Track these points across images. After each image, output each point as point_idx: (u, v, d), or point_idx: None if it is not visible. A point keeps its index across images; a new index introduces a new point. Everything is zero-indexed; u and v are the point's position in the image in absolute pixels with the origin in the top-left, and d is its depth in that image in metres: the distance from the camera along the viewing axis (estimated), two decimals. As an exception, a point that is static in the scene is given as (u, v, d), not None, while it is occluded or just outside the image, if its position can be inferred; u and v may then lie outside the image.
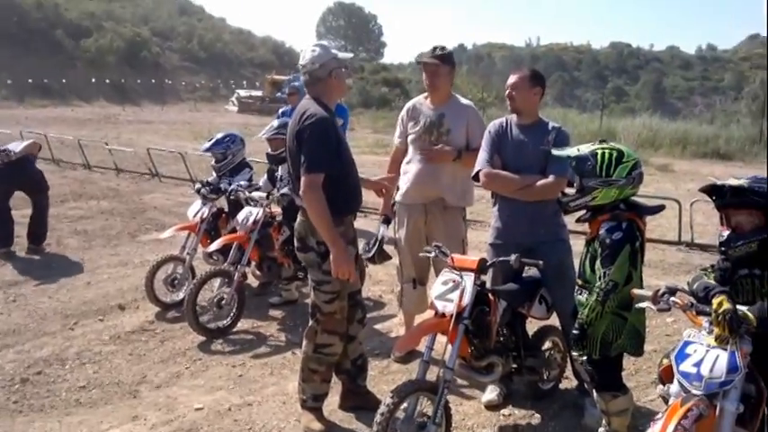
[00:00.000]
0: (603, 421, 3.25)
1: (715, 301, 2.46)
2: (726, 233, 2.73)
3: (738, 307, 2.47)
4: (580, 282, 3.19)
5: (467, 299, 3.25)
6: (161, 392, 4.12)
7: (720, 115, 26.75)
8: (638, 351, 3.18)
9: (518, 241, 3.69)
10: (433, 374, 3.27)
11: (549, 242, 3.74)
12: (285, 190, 5.25)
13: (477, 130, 4.22)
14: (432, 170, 4.26)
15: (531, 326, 3.94)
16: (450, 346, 3.24)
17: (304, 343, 3.65)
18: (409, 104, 4.51)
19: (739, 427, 2.49)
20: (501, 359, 3.50)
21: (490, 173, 3.76)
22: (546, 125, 3.78)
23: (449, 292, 3.32)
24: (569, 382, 4.02)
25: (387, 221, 4.51)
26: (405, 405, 3.10)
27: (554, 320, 3.88)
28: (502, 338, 3.63)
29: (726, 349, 2.41)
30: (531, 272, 3.78)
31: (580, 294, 3.15)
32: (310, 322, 3.62)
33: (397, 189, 4.45)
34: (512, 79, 3.79)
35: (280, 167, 5.60)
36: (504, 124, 3.84)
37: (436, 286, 3.40)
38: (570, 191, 3.21)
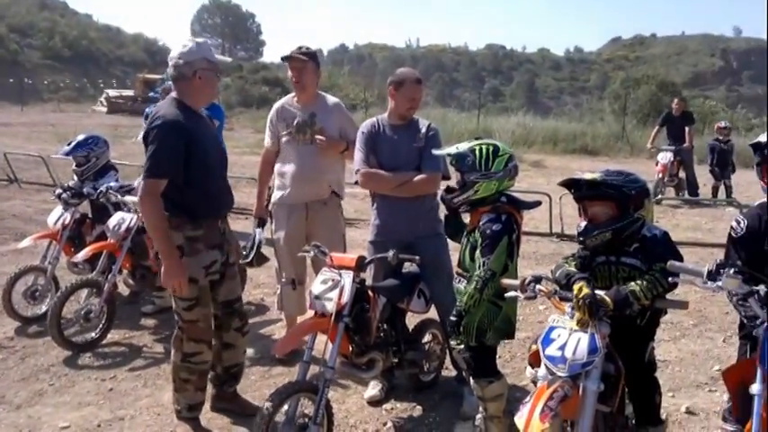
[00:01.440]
0: (480, 407, 3.36)
1: (575, 287, 2.59)
2: (583, 224, 2.90)
3: (597, 292, 2.61)
4: (459, 270, 3.29)
5: (346, 297, 3.25)
6: (22, 413, 3.81)
7: (588, 113, 28.52)
8: (509, 337, 3.32)
9: (398, 238, 3.75)
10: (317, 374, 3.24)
11: (428, 237, 3.83)
12: None
13: (349, 128, 4.28)
14: (314, 168, 4.23)
15: (412, 320, 4.01)
16: (330, 345, 3.23)
17: (172, 352, 3.52)
18: (278, 105, 4.46)
19: (601, 404, 2.63)
20: (382, 354, 3.54)
21: (368, 172, 3.80)
22: (417, 123, 3.87)
23: (328, 290, 3.30)
24: (449, 372, 4.12)
25: (262, 224, 4.44)
26: (286, 408, 3.06)
27: (433, 313, 3.97)
28: (382, 334, 3.68)
29: (587, 332, 2.54)
30: (410, 267, 3.84)
31: (459, 283, 3.25)
32: (176, 330, 3.50)
33: (269, 190, 4.39)
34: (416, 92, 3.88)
35: None
36: (377, 124, 3.89)
37: (315, 285, 3.37)
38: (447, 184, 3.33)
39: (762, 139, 2.76)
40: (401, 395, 3.92)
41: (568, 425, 2.64)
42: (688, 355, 4.70)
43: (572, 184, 2.89)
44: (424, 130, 3.82)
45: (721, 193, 11.14)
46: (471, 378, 3.29)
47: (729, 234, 2.92)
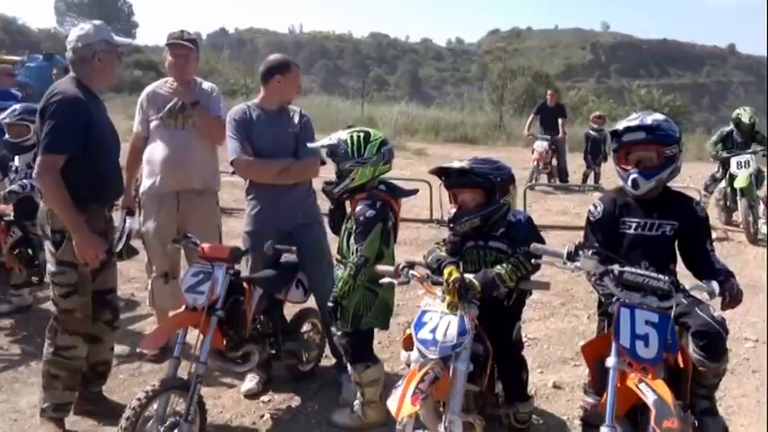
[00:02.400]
0: (358, 393, 3.38)
1: (446, 272, 2.66)
2: (453, 210, 2.98)
3: (466, 275, 2.69)
4: (338, 257, 3.30)
5: (219, 289, 3.17)
6: None
7: (468, 103, 29.41)
8: (385, 324, 3.37)
9: (276, 227, 3.68)
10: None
11: (307, 225, 3.81)
12: (15, 186, 4.67)
13: (223, 113, 4.13)
14: (186, 154, 4.06)
15: (290, 310, 3.97)
16: (202, 340, 3.13)
17: (45, 345, 3.31)
18: (149, 90, 4.24)
19: (470, 383, 2.73)
20: (258, 347, 3.48)
21: (247, 161, 3.70)
22: (288, 110, 3.81)
23: (200, 283, 3.20)
24: (329, 361, 4.11)
25: (130, 214, 4.22)
26: (156, 406, 2.93)
27: (312, 303, 3.94)
28: (258, 326, 3.62)
29: (456, 315, 2.62)
30: (288, 257, 3.79)
31: (338, 269, 3.25)
32: (51, 321, 3.30)
33: (137, 180, 4.18)
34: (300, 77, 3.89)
35: (17, 158, 4.95)
36: (248, 111, 3.78)
37: (186, 278, 3.25)
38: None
39: (619, 126, 2.92)
40: (279, 386, 3.87)
41: (441, 405, 2.71)
42: (555, 333, 4.96)
43: (442, 173, 2.96)
44: (297, 117, 3.77)
45: (591, 180, 11.83)
46: (348, 364, 3.31)
47: (587, 218, 3.05)
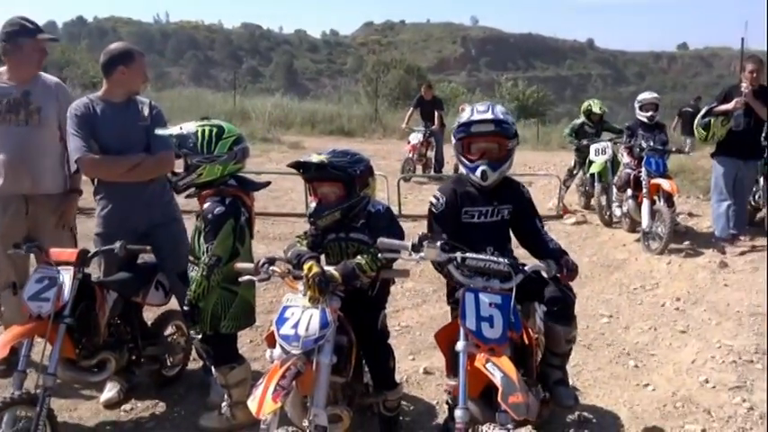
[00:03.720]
0: (225, 395, 3.30)
1: (305, 267, 2.64)
2: (314, 204, 2.96)
3: (326, 268, 2.69)
4: (191, 258, 3.17)
5: (66, 295, 2.98)
6: None
7: (345, 96, 29.50)
8: (248, 322, 3.30)
9: (131, 227, 3.49)
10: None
11: (164, 224, 3.64)
12: None
13: None
14: (31, 153, 3.75)
15: (152, 313, 3.80)
16: (50, 350, 2.93)
17: None
18: None
19: (336, 375, 2.73)
20: (114, 354, 3.31)
21: (92, 159, 3.46)
22: (136, 102, 3.62)
23: (45, 290, 3.00)
24: (197, 363, 3.98)
25: None
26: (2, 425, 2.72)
27: (175, 305, 3.79)
28: (115, 332, 3.42)
29: (318, 308, 2.60)
30: (146, 258, 3.62)
31: (192, 271, 3.13)
32: None
33: None
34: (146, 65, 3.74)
35: None
36: (91, 105, 3.55)
37: (29, 286, 3.04)
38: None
39: (467, 117, 3.00)
40: (142, 393, 3.69)
41: (309, 400, 2.69)
42: (428, 320, 5.08)
43: (301, 166, 2.92)
44: (147, 109, 3.58)
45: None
46: (213, 366, 3.22)
47: (430, 210, 3.07)
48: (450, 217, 3.02)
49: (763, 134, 6.56)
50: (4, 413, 2.72)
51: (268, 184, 3.39)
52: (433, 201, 3.06)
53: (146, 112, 3.57)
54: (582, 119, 8.99)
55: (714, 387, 3.90)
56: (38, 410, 2.77)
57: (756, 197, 7.01)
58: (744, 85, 6.28)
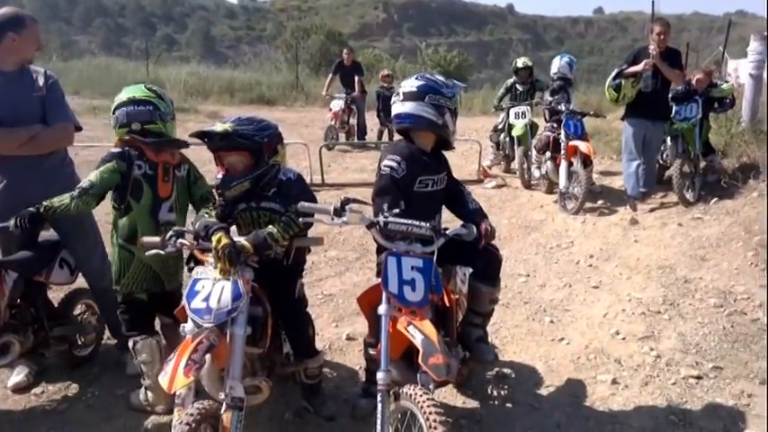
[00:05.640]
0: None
1: (214, 239, 2.57)
2: (220, 175, 2.87)
3: (236, 239, 2.62)
4: None
5: (-41, 277, 2.78)
6: None
7: (266, 63, 28.76)
8: (154, 287, 3.22)
9: (30, 203, 3.28)
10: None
11: None
12: None
13: None
14: None
15: (59, 293, 3.63)
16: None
17: None
18: None
19: (252, 346, 2.69)
20: (18, 336, 3.15)
21: None
22: (30, 71, 3.40)
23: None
24: (112, 341, 3.84)
25: None
26: None
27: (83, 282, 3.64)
28: (17, 314, 3.24)
29: (230, 280, 2.54)
30: (48, 235, 3.43)
31: None
32: None
33: None
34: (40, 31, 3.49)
35: None
36: None
37: None
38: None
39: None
40: (54, 376, 3.54)
41: (225, 373, 2.64)
42: (351, 287, 5.09)
43: (205, 135, 2.82)
44: (42, 79, 3.36)
45: (385, 137, 12.20)
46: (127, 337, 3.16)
47: (390, 175, 2.89)
48: (404, 185, 2.91)
49: (669, 95, 6.82)
50: None
51: (182, 145, 3.23)
52: (393, 164, 2.89)
53: (41, 81, 3.35)
54: (513, 79, 9.07)
55: (624, 338, 4.09)
56: (-67, 401, 2.61)
57: (664, 156, 7.31)
58: (652, 47, 6.48)
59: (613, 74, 6.73)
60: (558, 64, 8.18)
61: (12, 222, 2.91)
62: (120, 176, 3.00)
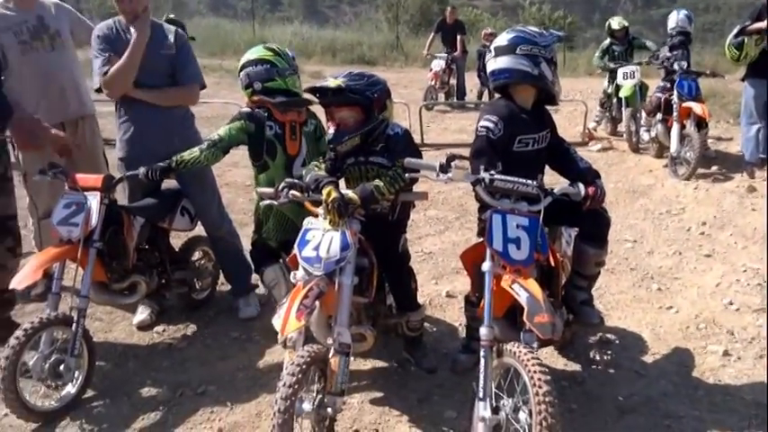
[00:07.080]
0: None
1: (324, 192, 2.63)
2: (332, 130, 2.93)
3: (344, 191, 2.68)
4: None
5: (94, 220, 3.03)
6: None
7: (366, 23, 28.71)
8: (288, 237, 3.32)
9: (152, 151, 3.46)
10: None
11: (185, 150, 3.63)
12: None
13: (81, 29, 3.92)
14: (61, 79, 3.77)
15: (179, 239, 3.87)
16: (82, 273, 3.01)
17: None
18: None
19: (358, 296, 2.77)
20: (144, 277, 3.39)
21: (115, 69, 3.42)
22: (162, 28, 3.57)
23: (73, 215, 3.04)
24: (226, 287, 4.06)
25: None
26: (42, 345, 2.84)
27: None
28: (143, 257, 3.50)
29: (338, 231, 2.62)
30: (170, 184, 3.65)
31: None
32: None
33: None
34: None
35: None
36: (115, 27, 3.51)
37: (57, 210, 3.08)
38: None
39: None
40: (174, 317, 3.81)
41: (332, 320, 2.74)
42: (450, 246, 5.11)
43: (317, 91, 2.88)
44: (172, 38, 3.53)
45: (486, 97, 12.00)
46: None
47: (486, 135, 2.85)
48: (502, 145, 2.86)
49: None
50: (42, 333, 2.82)
51: (306, 102, 3.33)
52: (489, 125, 2.84)
53: (171, 39, 3.53)
54: (608, 40, 8.69)
55: (738, 309, 3.91)
56: (74, 330, 2.87)
57: None
58: (780, 1, 5.99)
59: (735, 31, 6.26)
60: (675, 18, 7.67)
61: (142, 171, 3.11)
62: (246, 136, 3.19)
